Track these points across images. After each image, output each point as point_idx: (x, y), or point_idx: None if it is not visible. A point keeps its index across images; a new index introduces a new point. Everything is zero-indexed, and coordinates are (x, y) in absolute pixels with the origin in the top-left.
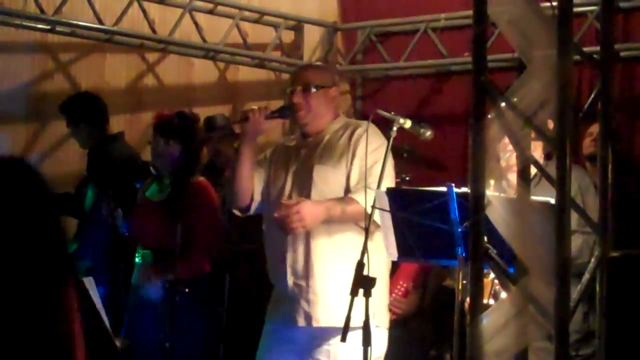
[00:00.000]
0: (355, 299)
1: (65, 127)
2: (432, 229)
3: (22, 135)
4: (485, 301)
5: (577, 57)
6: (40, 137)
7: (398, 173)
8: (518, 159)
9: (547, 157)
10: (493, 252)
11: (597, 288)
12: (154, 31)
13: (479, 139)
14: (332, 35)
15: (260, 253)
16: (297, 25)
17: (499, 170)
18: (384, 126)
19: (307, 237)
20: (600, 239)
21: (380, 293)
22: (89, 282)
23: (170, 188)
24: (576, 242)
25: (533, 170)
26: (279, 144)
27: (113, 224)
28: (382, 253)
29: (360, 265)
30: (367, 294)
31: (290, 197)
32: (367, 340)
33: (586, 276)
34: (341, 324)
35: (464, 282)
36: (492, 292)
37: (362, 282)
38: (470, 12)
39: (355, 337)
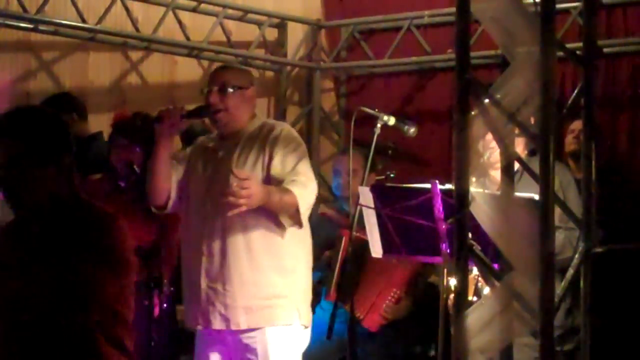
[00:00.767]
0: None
1: None
2: (417, 226)
3: None
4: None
5: (560, 54)
6: None
7: (382, 170)
8: (502, 155)
9: (531, 153)
10: (477, 248)
11: (581, 283)
12: (137, 30)
13: (463, 135)
14: (316, 33)
15: None
16: (281, 23)
17: (483, 166)
18: (368, 123)
19: (223, 239)
20: (584, 235)
21: (303, 292)
22: None
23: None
24: (558, 238)
25: (516, 165)
26: (198, 144)
27: None
28: (300, 249)
29: (345, 264)
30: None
31: (205, 200)
32: (352, 340)
33: (570, 272)
34: (261, 325)
35: (449, 278)
36: (475, 289)
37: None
38: (453, 9)
39: (282, 334)
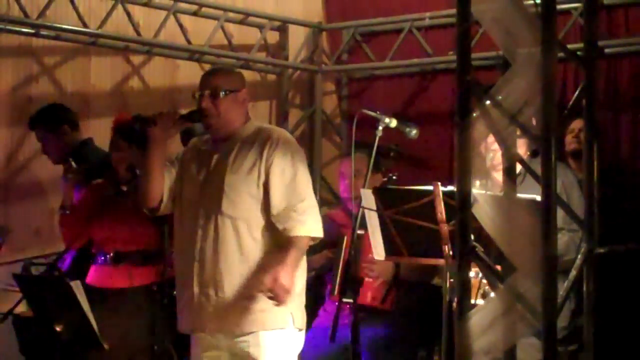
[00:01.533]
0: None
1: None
2: (419, 228)
3: (7, 139)
4: (473, 301)
5: (561, 55)
6: (26, 142)
7: (385, 172)
8: (504, 157)
9: (533, 154)
10: (480, 250)
11: (584, 284)
12: (138, 34)
13: (465, 137)
14: (317, 36)
15: None
16: (282, 26)
17: (485, 168)
18: (370, 125)
19: (216, 243)
20: (586, 236)
21: (297, 295)
22: (77, 286)
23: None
24: (562, 240)
25: (518, 167)
26: (192, 146)
27: None
28: None
29: (347, 265)
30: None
31: (199, 205)
32: (356, 339)
33: (573, 272)
34: (254, 329)
35: (452, 280)
36: (482, 292)
37: (349, 282)
38: (454, 11)
39: (275, 338)
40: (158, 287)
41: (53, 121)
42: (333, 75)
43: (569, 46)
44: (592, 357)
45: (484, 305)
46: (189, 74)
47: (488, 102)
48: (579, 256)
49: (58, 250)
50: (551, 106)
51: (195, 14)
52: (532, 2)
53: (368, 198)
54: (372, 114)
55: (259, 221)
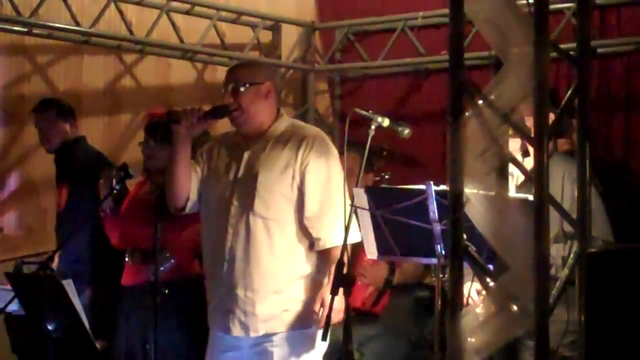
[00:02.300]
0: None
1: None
2: (411, 227)
3: (0, 137)
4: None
5: (554, 54)
6: (19, 140)
7: (377, 171)
8: (496, 156)
9: (525, 154)
10: (472, 249)
11: (577, 284)
12: (131, 32)
13: (457, 136)
14: (310, 35)
15: None
16: (275, 25)
17: (478, 167)
18: (363, 125)
19: (247, 247)
20: (579, 235)
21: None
22: (68, 285)
23: (160, 190)
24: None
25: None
26: (216, 142)
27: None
28: (318, 254)
29: (339, 265)
30: (348, 293)
31: (230, 202)
32: (347, 338)
33: (565, 272)
34: (278, 330)
35: (444, 280)
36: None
37: (342, 281)
38: (447, 11)
39: (300, 338)
40: (151, 286)
41: (65, 109)
42: (326, 74)
43: (562, 46)
44: (584, 357)
45: (475, 305)
46: (182, 72)
47: (480, 101)
48: (571, 255)
49: (50, 249)
50: (544, 106)
51: (187, 12)
52: (524, 1)
53: (360, 197)
54: (365, 113)
55: (290, 222)
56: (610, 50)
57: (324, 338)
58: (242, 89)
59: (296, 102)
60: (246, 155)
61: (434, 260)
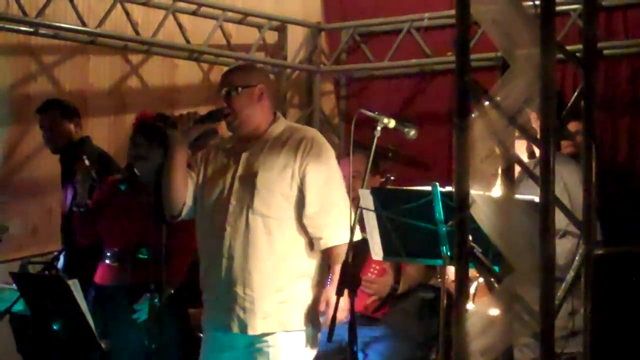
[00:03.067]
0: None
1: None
2: (417, 228)
3: (6, 137)
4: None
5: (560, 56)
6: (24, 140)
7: (382, 173)
8: (502, 158)
9: (531, 155)
10: (478, 251)
11: (583, 286)
12: (137, 33)
13: (463, 138)
14: (316, 36)
15: None
16: (281, 26)
17: (484, 169)
18: (368, 126)
19: (246, 245)
20: (585, 237)
21: (317, 296)
22: (74, 285)
23: (152, 191)
24: (565, 247)
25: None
26: (213, 146)
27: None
28: (317, 253)
29: (345, 265)
30: (353, 294)
31: (228, 201)
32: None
33: (571, 274)
34: (275, 330)
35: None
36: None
37: (348, 282)
38: (453, 12)
39: (295, 339)
40: (155, 285)
41: (69, 109)
42: (332, 75)
43: (568, 47)
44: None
45: (481, 306)
46: (188, 73)
47: (487, 103)
48: (577, 257)
49: (56, 248)
50: (550, 107)
51: (194, 13)
52: (531, 3)
53: (366, 198)
54: (371, 114)
55: (290, 221)
56: (616, 52)
57: (329, 339)
58: (234, 93)
59: (302, 103)
60: (244, 155)
61: (439, 262)
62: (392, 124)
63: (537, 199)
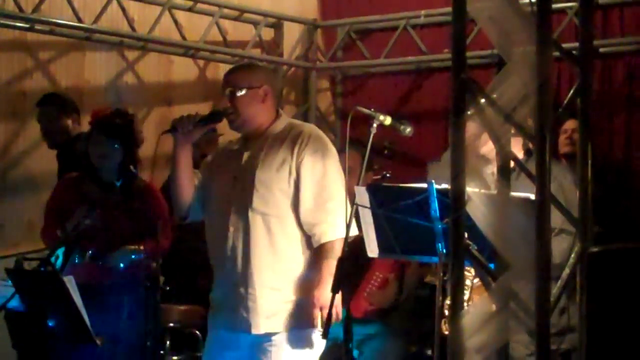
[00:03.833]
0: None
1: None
2: (413, 226)
3: (2, 133)
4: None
5: (556, 54)
6: (21, 136)
7: (377, 170)
8: (498, 155)
9: (527, 153)
10: (474, 248)
11: (577, 284)
12: (133, 29)
13: (459, 135)
14: (312, 33)
15: None
16: (277, 23)
17: (479, 166)
18: (364, 123)
19: (247, 244)
20: (580, 235)
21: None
22: (69, 281)
23: (120, 192)
24: (561, 246)
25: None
26: (222, 148)
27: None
28: None
29: (342, 262)
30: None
31: (231, 201)
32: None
33: (566, 271)
34: (278, 330)
35: (445, 278)
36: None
37: (343, 280)
38: (450, 9)
39: (299, 338)
40: (151, 282)
41: (67, 104)
42: (327, 72)
43: (564, 45)
44: (585, 357)
45: (476, 304)
46: (184, 69)
47: (483, 100)
48: (572, 255)
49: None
50: (546, 105)
51: (190, 9)
52: (527, 1)
53: (362, 195)
54: (367, 111)
55: (290, 218)
56: (612, 49)
57: (324, 336)
58: (239, 94)
59: (298, 100)
60: (245, 155)
61: (435, 259)
62: (388, 121)
63: (533, 197)
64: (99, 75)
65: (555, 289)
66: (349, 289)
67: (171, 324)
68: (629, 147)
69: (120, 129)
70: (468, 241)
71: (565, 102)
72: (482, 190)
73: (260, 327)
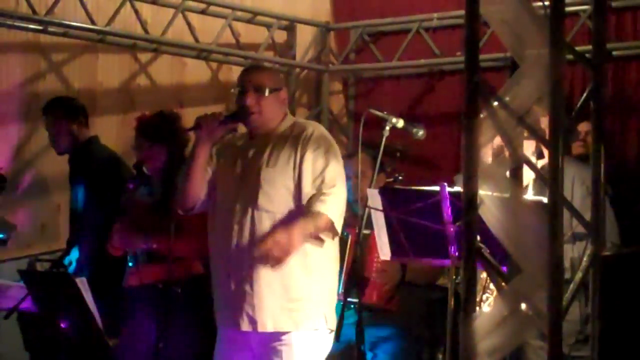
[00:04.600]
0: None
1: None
2: (425, 228)
3: (15, 135)
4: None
5: (569, 57)
6: (33, 138)
7: (389, 172)
8: (510, 158)
9: (539, 156)
10: (486, 251)
11: (591, 287)
12: (146, 31)
13: (472, 138)
14: (325, 35)
15: None
16: (290, 25)
17: (492, 169)
18: (377, 125)
19: (251, 240)
20: (593, 238)
21: (329, 295)
22: (82, 283)
23: (161, 191)
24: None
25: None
26: (225, 143)
27: None
28: (327, 252)
29: (354, 265)
30: (361, 294)
31: (235, 200)
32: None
33: (579, 274)
34: (287, 329)
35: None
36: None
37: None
38: (462, 12)
39: (308, 339)
40: (164, 285)
41: (72, 109)
42: (340, 75)
43: (577, 48)
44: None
45: (488, 307)
46: (196, 72)
47: (495, 103)
48: (585, 258)
49: (63, 246)
50: (559, 108)
51: (203, 12)
52: (540, 3)
53: (374, 198)
54: (379, 114)
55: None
56: (625, 53)
57: (336, 338)
58: (266, 94)
59: (310, 103)
60: (251, 153)
61: (447, 262)
62: (400, 123)
63: (545, 200)
64: (112, 77)
65: (567, 293)
66: (359, 290)
67: None
68: None
69: (161, 131)
70: (480, 244)
71: (578, 105)
72: (495, 193)
73: (266, 325)
